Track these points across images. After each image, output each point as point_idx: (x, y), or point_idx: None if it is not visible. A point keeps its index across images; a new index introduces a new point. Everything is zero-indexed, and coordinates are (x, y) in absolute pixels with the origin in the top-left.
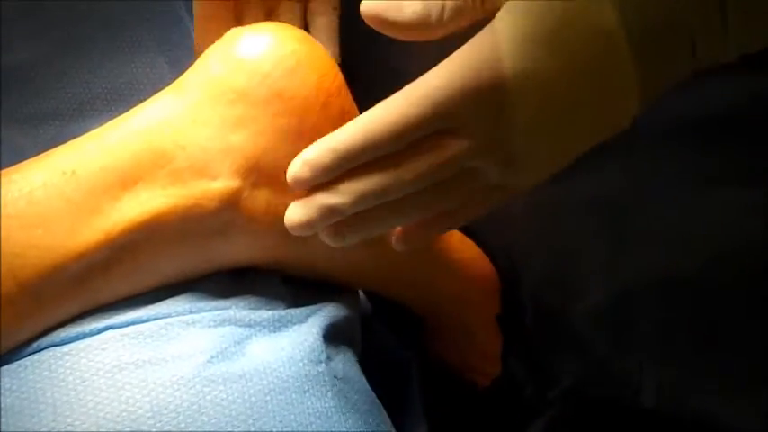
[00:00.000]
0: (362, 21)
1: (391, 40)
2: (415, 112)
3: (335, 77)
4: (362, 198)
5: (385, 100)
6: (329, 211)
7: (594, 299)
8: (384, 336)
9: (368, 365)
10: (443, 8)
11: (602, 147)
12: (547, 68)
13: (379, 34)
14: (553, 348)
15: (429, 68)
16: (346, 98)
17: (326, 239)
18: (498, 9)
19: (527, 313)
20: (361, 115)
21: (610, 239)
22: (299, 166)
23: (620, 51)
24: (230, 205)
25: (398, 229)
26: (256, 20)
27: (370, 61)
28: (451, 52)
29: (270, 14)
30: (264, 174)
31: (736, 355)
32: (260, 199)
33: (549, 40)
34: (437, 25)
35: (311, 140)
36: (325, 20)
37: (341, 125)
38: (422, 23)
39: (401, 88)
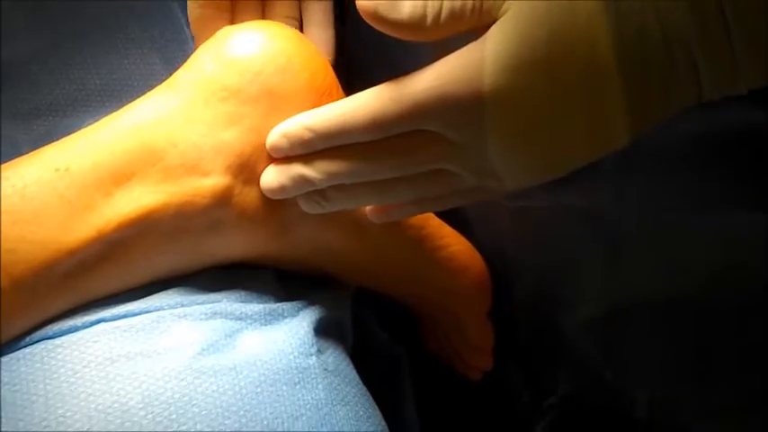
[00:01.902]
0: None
1: (396, 41)
2: (393, 109)
3: (327, 75)
4: (334, 177)
5: (369, 89)
6: (302, 181)
7: (588, 312)
8: (376, 331)
9: (359, 361)
10: (440, 10)
11: (598, 161)
12: (528, 91)
13: (383, 34)
14: (547, 358)
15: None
16: (338, 96)
17: (302, 205)
18: (494, 21)
19: (520, 321)
20: (343, 99)
21: (604, 254)
22: (277, 137)
23: (608, 82)
24: (222, 202)
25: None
26: (252, 19)
27: (377, 62)
28: None
29: (265, 14)
30: (256, 171)
31: (729, 374)
32: (251, 196)
33: (533, 63)
34: (432, 27)
35: None
36: (320, 18)
37: None
38: (417, 23)
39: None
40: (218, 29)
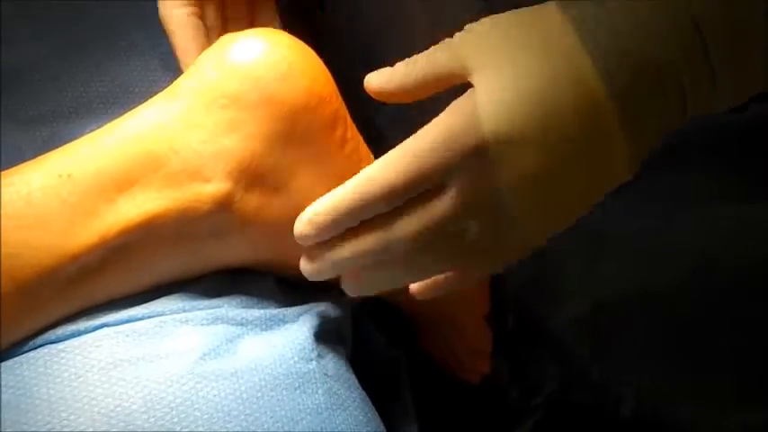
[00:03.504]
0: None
1: (370, 28)
2: (405, 171)
3: (327, 83)
4: (361, 255)
5: (379, 159)
6: (333, 265)
7: (576, 307)
8: (374, 336)
9: (358, 365)
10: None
11: None
12: (527, 131)
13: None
14: (535, 353)
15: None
16: (338, 103)
17: (346, 291)
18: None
19: (508, 318)
20: (356, 176)
21: (590, 249)
22: (303, 226)
23: (602, 116)
24: (223, 207)
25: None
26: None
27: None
28: None
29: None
30: (256, 177)
31: (715, 366)
32: (252, 201)
33: (528, 103)
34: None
35: (302, 144)
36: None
37: (332, 130)
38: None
39: None
40: (193, 32)
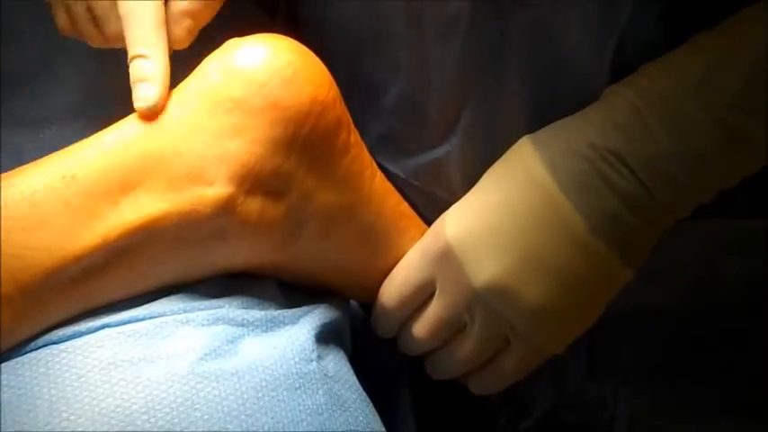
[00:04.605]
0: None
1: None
2: (398, 296)
3: (330, 88)
4: (415, 345)
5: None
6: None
7: None
8: (374, 342)
9: (358, 371)
10: None
11: None
12: (484, 234)
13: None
14: (527, 376)
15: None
16: (341, 109)
17: None
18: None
19: None
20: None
21: None
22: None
23: (566, 221)
24: (225, 211)
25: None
26: None
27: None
28: None
29: None
30: (259, 181)
31: (711, 385)
32: (254, 205)
33: (485, 208)
34: None
35: (305, 149)
36: None
37: (335, 135)
38: None
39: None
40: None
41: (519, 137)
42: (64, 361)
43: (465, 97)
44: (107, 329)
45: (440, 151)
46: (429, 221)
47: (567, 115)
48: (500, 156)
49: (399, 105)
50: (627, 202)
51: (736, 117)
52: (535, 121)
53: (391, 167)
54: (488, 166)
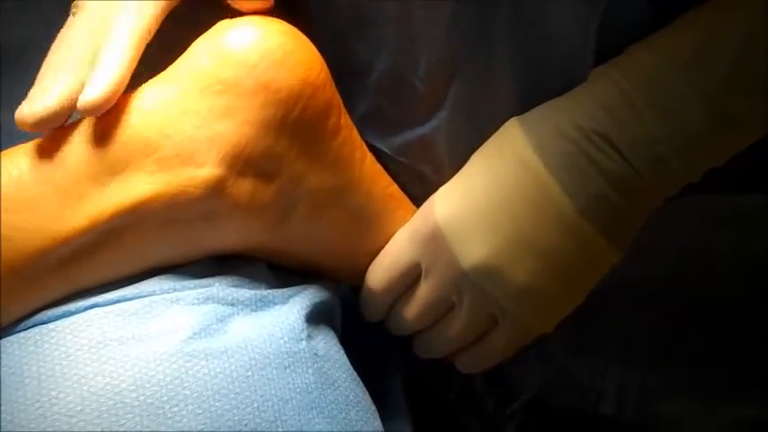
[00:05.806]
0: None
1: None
2: (386, 279)
3: (321, 71)
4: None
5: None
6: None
7: None
8: (365, 325)
9: (349, 353)
10: None
11: None
12: (472, 215)
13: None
14: (514, 354)
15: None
16: (332, 91)
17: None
18: None
19: None
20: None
21: None
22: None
23: (557, 206)
24: (215, 192)
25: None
26: None
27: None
28: None
29: None
30: (249, 163)
31: (698, 362)
32: (244, 187)
33: (472, 189)
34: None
35: (296, 132)
36: None
37: (326, 117)
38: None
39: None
40: None
41: (506, 112)
42: (53, 340)
43: (452, 72)
44: (96, 309)
45: (427, 127)
46: (416, 200)
47: (555, 90)
48: (487, 131)
49: (386, 82)
50: (614, 184)
51: (724, 96)
52: (523, 97)
53: (378, 144)
54: (475, 142)
